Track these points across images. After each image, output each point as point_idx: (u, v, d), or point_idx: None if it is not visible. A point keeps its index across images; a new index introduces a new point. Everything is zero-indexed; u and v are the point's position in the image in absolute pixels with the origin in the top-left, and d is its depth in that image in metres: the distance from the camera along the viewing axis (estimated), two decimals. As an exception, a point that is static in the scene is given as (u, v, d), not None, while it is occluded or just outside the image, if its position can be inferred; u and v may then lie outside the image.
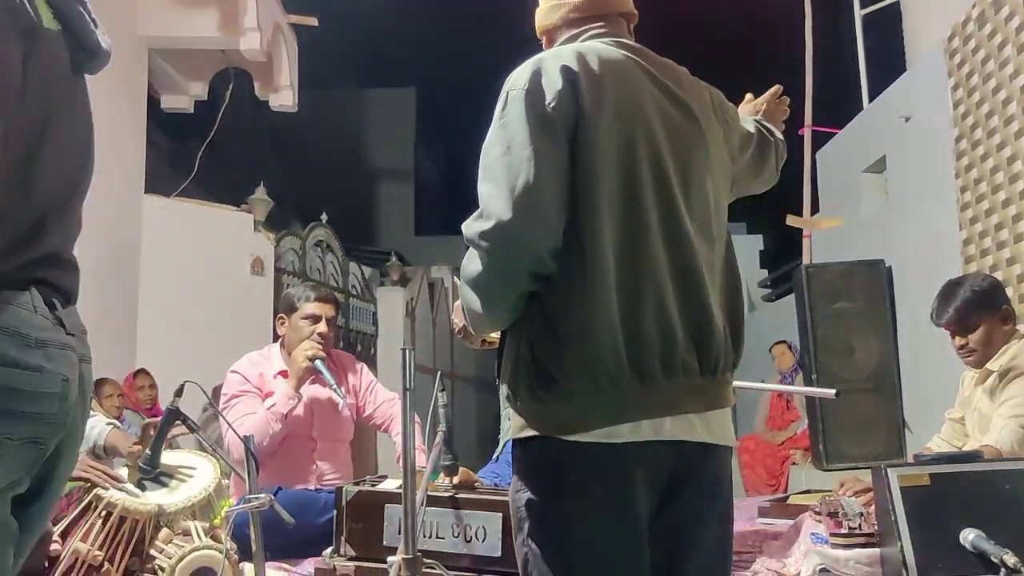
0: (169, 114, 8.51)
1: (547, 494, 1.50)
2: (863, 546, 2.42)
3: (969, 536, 2.04)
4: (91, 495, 2.51)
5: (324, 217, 9.26)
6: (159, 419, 2.67)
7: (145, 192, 7.07)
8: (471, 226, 1.46)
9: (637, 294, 1.47)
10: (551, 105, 1.47)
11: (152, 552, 2.51)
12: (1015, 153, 4.35)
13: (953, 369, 3.34)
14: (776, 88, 2.06)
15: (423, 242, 16.05)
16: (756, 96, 2.08)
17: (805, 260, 5.99)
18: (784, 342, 7.24)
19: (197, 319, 6.83)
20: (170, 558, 2.44)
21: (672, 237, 1.53)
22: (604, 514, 1.47)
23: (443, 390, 2.52)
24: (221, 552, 2.45)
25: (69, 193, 1.36)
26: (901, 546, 2.12)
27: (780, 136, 1.97)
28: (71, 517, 2.51)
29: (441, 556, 2.31)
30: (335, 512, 2.77)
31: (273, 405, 3.29)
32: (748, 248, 12.34)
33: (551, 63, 1.51)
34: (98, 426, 2.74)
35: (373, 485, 2.81)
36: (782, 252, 12.31)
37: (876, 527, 2.41)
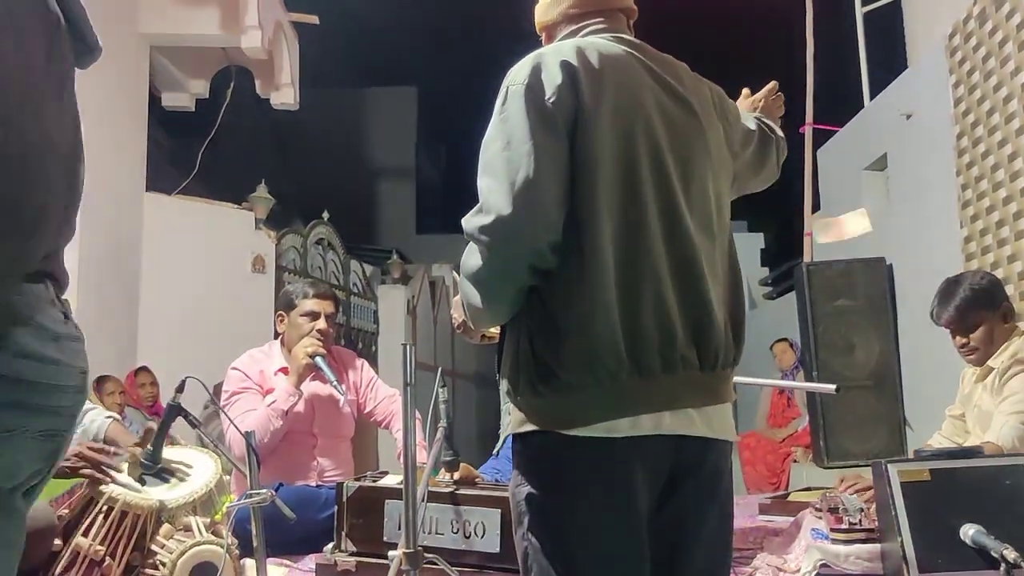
0: (170, 112, 8.52)
1: (547, 488, 1.50)
2: (863, 542, 2.43)
3: (969, 531, 2.04)
4: (93, 490, 2.52)
5: (325, 215, 9.26)
6: (162, 420, 2.68)
7: (146, 190, 7.08)
8: (471, 220, 1.47)
9: (636, 289, 1.48)
10: (551, 100, 1.47)
11: (153, 547, 2.51)
12: (1016, 150, 4.35)
13: (953, 366, 3.35)
14: (772, 84, 2.06)
15: (424, 240, 16.05)
16: (753, 92, 2.08)
17: (806, 258, 5.99)
18: (785, 340, 7.24)
19: (198, 317, 6.84)
20: (171, 553, 2.45)
21: (672, 232, 1.53)
22: (604, 508, 1.47)
23: (444, 386, 2.53)
24: (222, 547, 2.46)
25: (72, 182, 1.36)
26: (901, 541, 2.12)
27: (780, 133, 1.97)
28: (73, 513, 2.51)
29: (441, 552, 2.31)
30: (336, 508, 2.77)
31: (274, 402, 3.29)
32: (749, 246, 12.34)
33: (551, 58, 1.52)
34: (98, 419, 2.74)
35: (374, 481, 2.81)
36: (783, 250, 12.33)
37: (876, 523, 2.42)
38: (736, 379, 1.70)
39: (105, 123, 6.01)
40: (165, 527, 2.55)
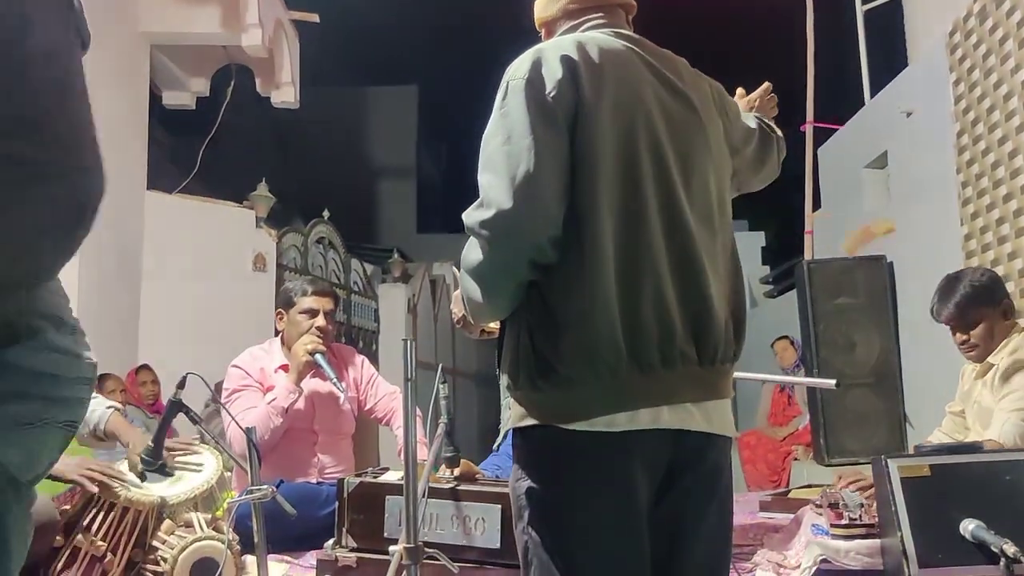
0: (171, 110, 8.51)
1: (547, 482, 1.50)
2: (864, 537, 2.43)
3: (969, 526, 2.05)
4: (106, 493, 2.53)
5: (326, 214, 9.26)
6: (163, 416, 2.69)
7: (147, 189, 7.08)
8: (472, 215, 1.47)
9: (635, 284, 1.48)
10: (551, 95, 1.47)
11: (155, 543, 2.52)
12: (1016, 148, 4.35)
13: (953, 363, 3.35)
14: (767, 85, 2.06)
15: (425, 239, 16.04)
16: (751, 91, 2.08)
17: (807, 256, 5.99)
18: (786, 337, 7.24)
19: (199, 315, 6.84)
20: (172, 549, 2.46)
21: (672, 227, 1.53)
22: (604, 502, 1.47)
23: (444, 382, 2.53)
24: (223, 543, 2.46)
25: None
26: (901, 536, 2.12)
27: (779, 132, 1.98)
28: (75, 509, 2.52)
29: (441, 548, 2.31)
30: (337, 504, 2.77)
31: (274, 399, 3.30)
32: (750, 245, 12.33)
33: (551, 53, 1.52)
34: (99, 409, 2.74)
35: (375, 477, 2.82)
36: (784, 248, 12.32)
37: (876, 518, 2.42)
38: (736, 375, 1.70)
39: (105, 122, 5.95)
40: (166, 523, 2.56)
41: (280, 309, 3.56)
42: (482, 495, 2.59)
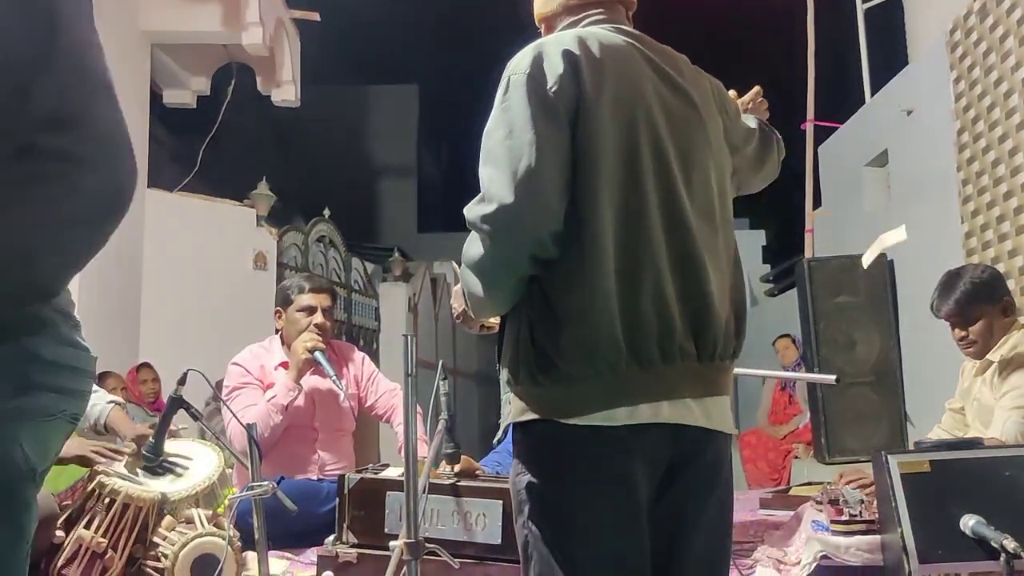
0: (171, 109, 8.51)
1: (547, 477, 1.50)
2: (864, 533, 2.43)
3: (969, 522, 2.04)
4: (95, 482, 2.53)
5: (327, 213, 9.27)
6: (164, 412, 2.69)
7: (148, 187, 7.07)
8: (473, 209, 1.47)
9: (635, 279, 1.48)
10: (553, 89, 1.47)
11: (155, 539, 2.52)
12: (1017, 146, 4.35)
13: (954, 360, 3.35)
14: (757, 89, 2.05)
15: (425, 238, 16.05)
16: (742, 93, 2.08)
17: (807, 254, 5.99)
18: (788, 336, 7.24)
19: (200, 314, 6.84)
20: (173, 545, 2.45)
21: (672, 222, 1.53)
22: (604, 496, 1.47)
23: (445, 378, 2.53)
24: (224, 540, 2.46)
25: None
26: (901, 532, 2.12)
27: (777, 133, 1.98)
28: (75, 504, 2.52)
29: (442, 543, 2.32)
30: (337, 500, 2.78)
31: (274, 397, 3.30)
32: (751, 243, 12.34)
33: (552, 47, 1.52)
34: (100, 403, 2.74)
35: (375, 473, 2.82)
36: (784, 247, 12.33)
37: (877, 514, 2.42)
38: (736, 370, 1.70)
39: (106, 120, 5.99)
40: (167, 519, 2.55)
41: (278, 307, 3.56)
42: (483, 491, 2.59)
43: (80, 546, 2.42)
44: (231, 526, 2.49)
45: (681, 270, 1.52)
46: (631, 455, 1.47)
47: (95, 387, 2.78)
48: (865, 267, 4.96)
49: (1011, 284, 4.11)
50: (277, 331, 3.61)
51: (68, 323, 1.23)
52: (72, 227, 1.10)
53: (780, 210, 12.59)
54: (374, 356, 9.06)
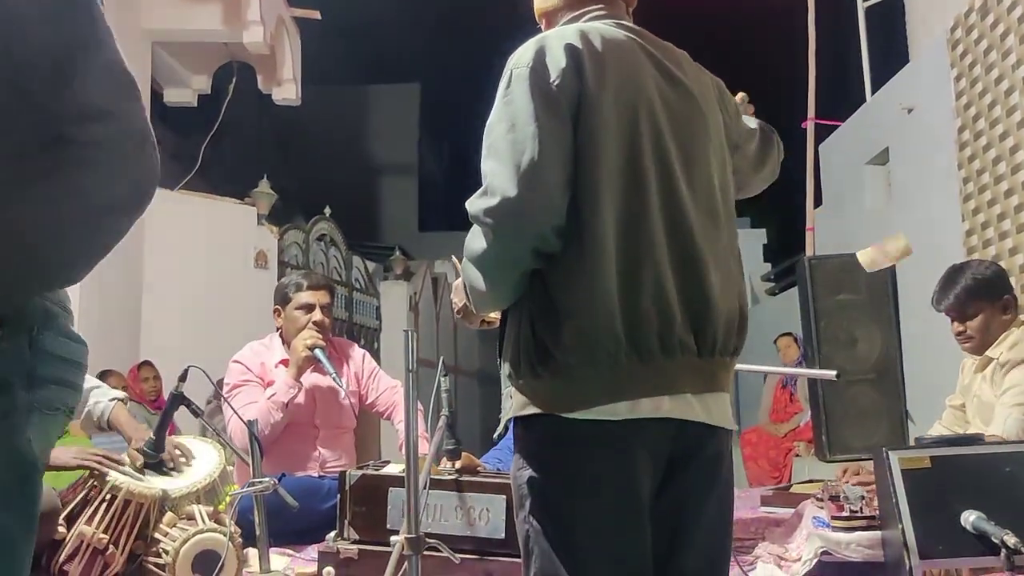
0: (172, 108, 8.52)
1: (548, 471, 1.50)
2: (865, 529, 2.43)
3: (970, 518, 2.04)
4: (96, 478, 2.53)
5: (328, 211, 9.27)
6: (165, 409, 2.69)
7: (149, 185, 7.08)
8: (475, 203, 1.46)
9: (636, 273, 1.48)
10: (555, 83, 1.47)
11: (156, 536, 2.53)
12: (1017, 143, 4.35)
13: (955, 359, 3.35)
14: (742, 95, 2.05)
15: (426, 237, 16.03)
16: (748, 89, 2.08)
17: (808, 253, 5.99)
18: (789, 334, 7.24)
19: (201, 312, 6.85)
20: (174, 541, 2.45)
21: (673, 217, 1.53)
22: (605, 491, 1.47)
23: (446, 375, 2.53)
24: (225, 536, 2.46)
25: None
26: (902, 528, 2.12)
27: (776, 135, 1.98)
28: (76, 500, 2.52)
29: (445, 539, 2.32)
30: (339, 496, 2.78)
31: (274, 394, 3.30)
32: (752, 242, 12.34)
33: (555, 41, 1.51)
34: (102, 401, 2.74)
35: (376, 469, 2.82)
36: (785, 246, 12.33)
37: (877, 510, 2.42)
38: (738, 366, 1.70)
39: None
40: (168, 515, 2.55)
41: (277, 306, 3.56)
42: (486, 486, 2.60)
43: (82, 542, 2.43)
44: (232, 522, 2.49)
45: (681, 265, 1.52)
46: (632, 449, 1.47)
47: (98, 382, 2.80)
48: (868, 271, 4.96)
49: (1012, 282, 4.11)
50: (277, 329, 3.61)
51: (67, 316, 1.24)
52: (102, 215, 1.13)
53: (781, 209, 12.57)
54: (375, 355, 9.06)
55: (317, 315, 3.42)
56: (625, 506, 1.47)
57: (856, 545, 2.41)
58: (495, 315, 1.71)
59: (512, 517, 2.42)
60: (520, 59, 1.51)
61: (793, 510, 3.08)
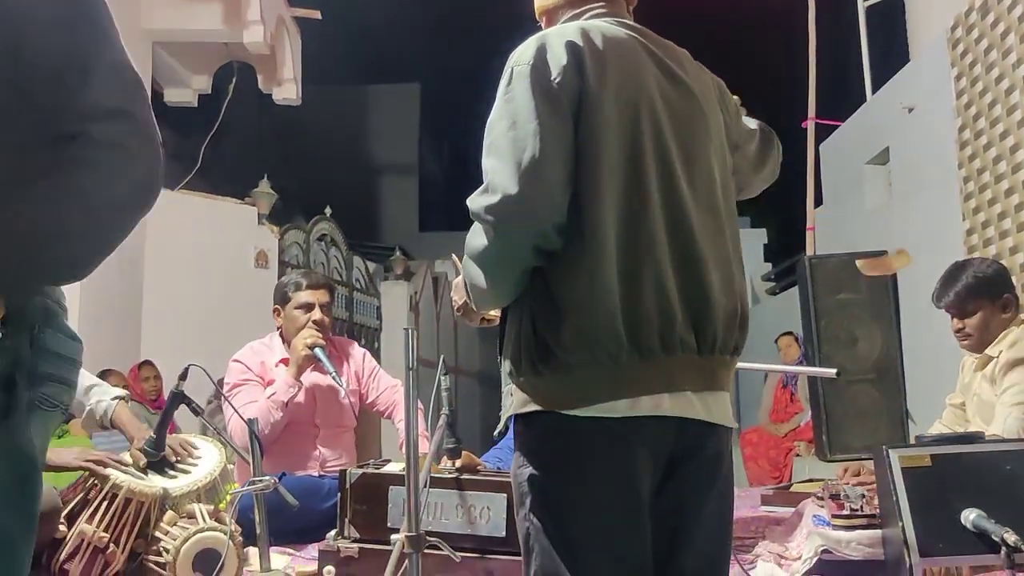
0: (172, 108, 8.52)
1: (548, 469, 1.50)
2: (865, 527, 2.43)
3: (970, 516, 2.04)
4: (97, 477, 2.53)
5: (328, 211, 9.27)
6: (165, 407, 2.69)
7: (149, 185, 7.08)
8: (476, 200, 1.46)
9: (636, 271, 1.47)
10: (556, 80, 1.47)
11: (157, 534, 2.53)
12: (1018, 142, 4.35)
13: (955, 358, 3.35)
14: (735, 99, 2.05)
15: (427, 237, 16.03)
16: (747, 89, 2.08)
17: (809, 252, 5.99)
18: (790, 333, 7.25)
19: (201, 312, 6.85)
20: (175, 540, 2.46)
21: (674, 215, 1.53)
22: (605, 489, 1.47)
23: (446, 374, 2.53)
24: (226, 535, 2.46)
25: None
26: (902, 526, 2.12)
27: (776, 136, 1.98)
28: (77, 499, 2.52)
29: (445, 537, 2.32)
30: (339, 495, 2.78)
31: (274, 394, 3.30)
32: (752, 242, 12.35)
33: (556, 39, 1.51)
34: (105, 399, 2.74)
35: (377, 468, 2.82)
36: (785, 245, 12.33)
37: (878, 509, 2.42)
38: (739, 364, 1.69)
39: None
40: (169, 514, 2.56)
41: (276, 305, 3.56)
42: (487, 484, 2.60)
43: (82, 540, 2.43)
44: (233, 521, 2.49)
45: (682, 263, 1.52)
46: (633, 447, 1.47)
47: (98, 380, 2.80)
48: (866, 273, 4.96)
49: (1012, 280, 4.11)
50: (277, 329, 3.61)
51: (64, 314, 1.25)
52: (112, 212, 1.15)
53: (781, 209, 12.56)
54: (376, 355, 9.05)
55: (317, 314, 3.42)
56: (625, 503, 1.47)
57: (856, 543, 2.41)
58: (495, 312, 1.71)
59: (512, 515, 2.43)
60: (521, 56, 1.51)
61: (793, 509, 3.08)
